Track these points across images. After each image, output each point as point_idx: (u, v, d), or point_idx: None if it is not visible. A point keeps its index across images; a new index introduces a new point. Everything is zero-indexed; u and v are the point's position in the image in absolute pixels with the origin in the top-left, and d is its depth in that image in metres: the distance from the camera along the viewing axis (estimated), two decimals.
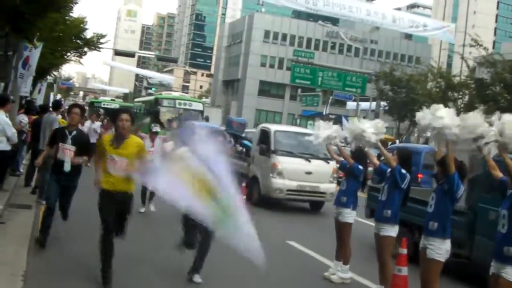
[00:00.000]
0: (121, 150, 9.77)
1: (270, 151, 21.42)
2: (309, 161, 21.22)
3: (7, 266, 9.95)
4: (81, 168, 12.37)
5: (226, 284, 10.92)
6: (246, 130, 30.71)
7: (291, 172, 20.98)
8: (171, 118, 38.04)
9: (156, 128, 18.01)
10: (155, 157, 15.25)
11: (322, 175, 21.24)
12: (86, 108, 62.58)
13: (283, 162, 21.06)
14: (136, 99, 68.20)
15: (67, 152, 11.73)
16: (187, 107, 42.29)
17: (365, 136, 10.93)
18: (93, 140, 28.26)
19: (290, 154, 21.36)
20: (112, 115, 10.17)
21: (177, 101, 42.58)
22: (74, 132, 11.95)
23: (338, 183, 16.47)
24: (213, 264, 10.85)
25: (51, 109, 19.33)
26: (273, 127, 22.83)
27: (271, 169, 21.05)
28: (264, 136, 22.33)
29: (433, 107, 8.61)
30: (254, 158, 22.77)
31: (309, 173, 21.07)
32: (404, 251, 10.82)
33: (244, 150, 26.04)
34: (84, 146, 12.02)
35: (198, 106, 44.02)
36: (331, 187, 21.35)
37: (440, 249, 8.69)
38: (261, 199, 21.37)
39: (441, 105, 8.64)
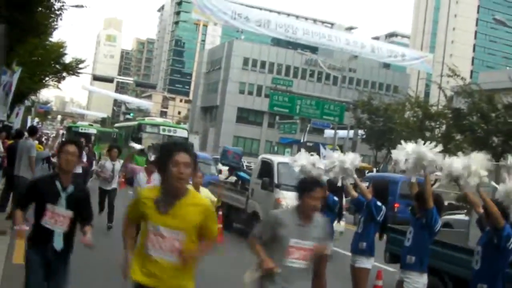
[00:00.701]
0: (173, 216, 5.83)
1: (273, 185, 19.23)
2: None
3: None
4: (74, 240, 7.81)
5: None
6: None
7: None
8: (152, 144, 37.74)
9: None
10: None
11: None
12: (64, 132, 60.66)
13: (289, 197, 17.34)
14: (117, 124, 66.51)
15: (61, 220, 7.40)
16: (171, 133, 41.21)
17: (346, 170, 10.97)
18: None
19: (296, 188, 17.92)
20: (160, 156, 6.14)
21: (161, 127, 41.58)
22: (71, 188, 7.48)
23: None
24: None
25: (26, 134, 19.16)
26: (276, 159, 20.66)
27: (275, 205, 18.26)
28: (266, 168, 20.22)
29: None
30: (253, 191, 20.45)
31: None
32: (380, 282, 10.84)
33: (239, 182, 24.00)
34: (84, 210, 7.65)
35: (182, 133, 42.91)
36: (339, 226, 17.79)
37: (417, 283, 8.76)
38: None
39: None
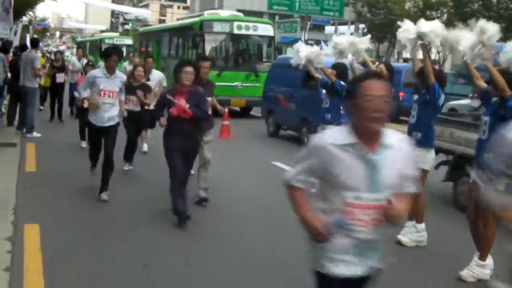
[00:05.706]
0: None
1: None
2: None
3: None
4: None
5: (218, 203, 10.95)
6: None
7: None
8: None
9: None
10: None
11: None
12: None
13: None
14: (143, 29, 49.44)
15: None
16: (249, 32, 28.88)
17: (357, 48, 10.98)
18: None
19: None
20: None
21: (234, 24, 28.42)
22: None
23: None
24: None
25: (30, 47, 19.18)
26: None
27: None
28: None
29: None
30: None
31: None
32: None
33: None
34: None
35: (266, 29, 29.40)
36: None
37: (425, 158, 8.78)
38: None
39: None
